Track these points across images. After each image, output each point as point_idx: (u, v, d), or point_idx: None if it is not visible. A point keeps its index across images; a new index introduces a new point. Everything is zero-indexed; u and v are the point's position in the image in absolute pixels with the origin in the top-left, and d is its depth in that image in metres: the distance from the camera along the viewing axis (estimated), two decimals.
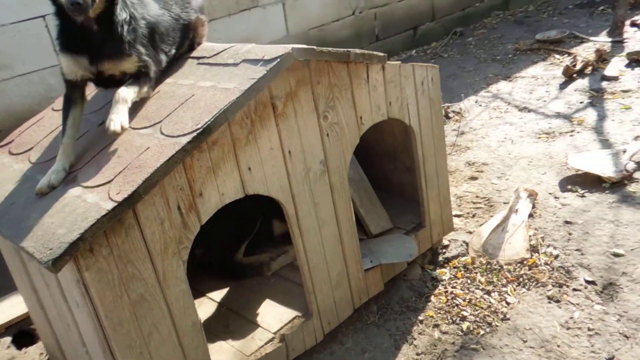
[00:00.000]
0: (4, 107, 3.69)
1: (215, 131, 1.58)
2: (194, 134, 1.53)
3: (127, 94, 1.75)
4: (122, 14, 1.79)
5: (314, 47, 1.79)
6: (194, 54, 2.11)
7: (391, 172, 2.76)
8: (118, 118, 1.66)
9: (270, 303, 2.23)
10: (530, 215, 2.80)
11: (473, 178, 3.27)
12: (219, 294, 2.39)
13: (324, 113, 1.95)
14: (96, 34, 1.77)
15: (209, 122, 1.55)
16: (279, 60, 1.69)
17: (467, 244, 2.70)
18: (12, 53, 3.69)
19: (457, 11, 6.47)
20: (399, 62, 2.26)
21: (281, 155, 1.85)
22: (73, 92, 1.86)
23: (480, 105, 4.33)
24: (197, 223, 1.65)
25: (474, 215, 2.94)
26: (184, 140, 1.53)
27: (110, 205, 1.40)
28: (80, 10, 1.65)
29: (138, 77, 1.83)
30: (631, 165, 2.95)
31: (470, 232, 2.79)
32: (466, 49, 5.83)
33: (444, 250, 2.69)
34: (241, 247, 2.53)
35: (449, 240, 2.74)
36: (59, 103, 2.23)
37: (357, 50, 1.93)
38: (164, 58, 1.97)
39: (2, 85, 3.70)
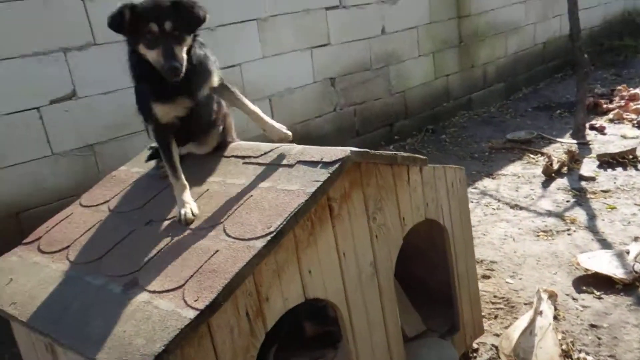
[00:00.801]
0: None
1: (285, 235, 1.53)
2: (269, 237, 1.48)
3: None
4: (197, 52, 1.93)
5: (368, 150, 1.81)
6: (235, 152, 2.08)
7: (416, 271, 2.73)
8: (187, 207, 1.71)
9: None
10: (555, 318, 2.79)
11: (485, 277, 3.27)
12: None
13: (373, 214, 1.93)
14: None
15: (281, 226, 1.51)
16: (340, 162, 1.69)
17: (496, 347, 2.64)
18: (6, 144, 3.55)
19: (427, 110, 6.81)
20: (433, 165, 2.31)
21: (337, 257, 1.80)
22: (167, 134, 1.95)
23: (472, 202, 4.43)
24: (262, 330, 1.55)
25: (496, 317, 2.90)
26: (259, 244, 1.47)
27: (191, 314, 1.30)
28: (177, 73, 1.74)
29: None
30: (638, 267, 3.03)
31: (496, 335, 2.74)
32: (442, 145, 6.08)
33: (474, 355, 2.62)
34: (270, 351, 2.38)
35: (477, 344, 2.68)
36: (87, 199, 2.13)
37: (402, 154, 1.97)
38: None
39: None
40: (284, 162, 1.84)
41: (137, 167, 2.24)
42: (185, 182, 1.88)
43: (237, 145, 2.15)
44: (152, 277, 1.48)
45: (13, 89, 3.52)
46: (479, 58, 7.37)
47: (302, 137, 5.41)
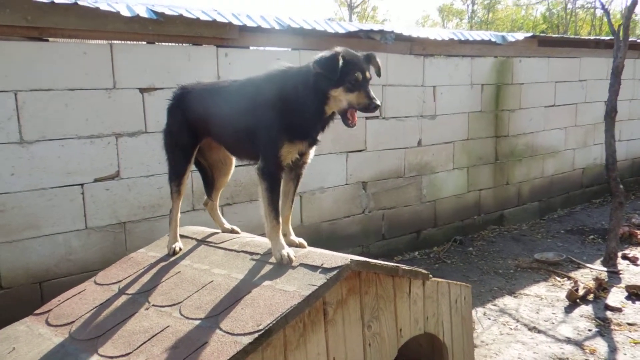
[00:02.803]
0: (22, 264, 3.70)
1: (274, 334, 1.60)
2: (256, 334, 1.55)
3: None
4: None
5: (369, 260, 1.90)
6: (246, 248, 2.20)
7: None
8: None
9: None
10: None
11: None
12: None
13: (369, 322, 1.98)
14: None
15: (271, 324, 1.58)
16: (339, 270, 1.78)
17: None
18: (45, 215, 3.81)
19: (457, 221, 6.85)
20: (437, 279, 2.36)
21: None
22: (281, 174, 2.11)
23: (489, 319, 4.35)
24: None
25: None
26: (245, 340, 1.54)
27: None
28: (374, 110, 2.02)
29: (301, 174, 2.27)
30: None
31: None
32: (468, 257, 6.04)
33: None
34: None
35: None
36: (101, 277, 2.26)
37: (404, 266, 2.04)
38: None
39: (27, 243, 3.74)
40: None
41: (154, 251, 2.39)
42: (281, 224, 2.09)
43: (250, 241, 2.27)
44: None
45: (64, 166, 3.83)
46: (514, 176, 7.48)
47: (329, 236, 5.53)
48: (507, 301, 4.71)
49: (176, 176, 2.33)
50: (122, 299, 2.01)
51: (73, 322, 1.93)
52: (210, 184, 2.51)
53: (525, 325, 4.20)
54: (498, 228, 7.26)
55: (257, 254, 2.10)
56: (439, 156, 6.52)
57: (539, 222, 7.54)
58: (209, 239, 2.36)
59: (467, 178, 6.94)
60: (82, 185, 3.95)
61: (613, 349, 3.72)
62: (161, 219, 4.35)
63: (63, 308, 2.06)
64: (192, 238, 2.45)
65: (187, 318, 1.73)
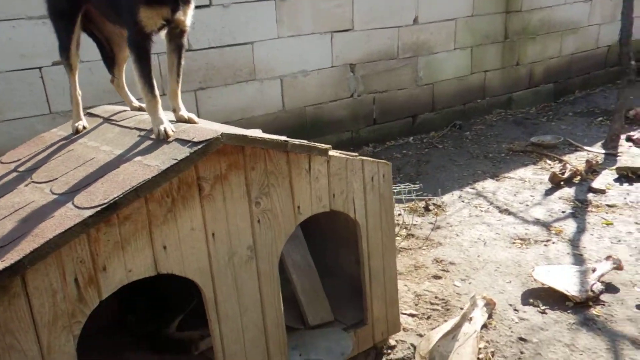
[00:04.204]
0: None
1: (123, 207, 1.56)
2: (98, 208, 1.51)
3: None
4: None
5: (246, 134, 1.80)
6: (141, 125, 2.12)
7: (344, 262, 2.69)
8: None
9: None
10: (485, 326, 2.67)
11: (437, 277, 3.17)
12: None
13: (257, 199, 1.92)
14: None
15: (116, 198, 1.54)
16: (205, 144, 1.69)
17: (414, 347, 2.58)
18: (5, 99, 3.80)
19: (458, 105, 6.57)
20: (349, 155, 2.25)
21: (204, 237, 1.81)
22: (148, 43, 1.95)
23: (462, 201, 4.28)
24: (96, 298, 1.60)
25: (428, 317, 2.82)
26: (87, 213, 1.51)
27: None
28: None
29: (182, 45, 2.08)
30: (598, 287, 2.83)
31: (420, 335, 2.66)
32: (462, 142, 5.86)
33: (389, 351, 2.56)
34: (175, 320, 2.45)
35: (396, 341, 2.62)
36: (8, 156, 2.26)
37: (296, 141, 1.93)
38: None
39: None
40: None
41: (64, 130, 2.35)
42: (159, 98, 1.98)
43: (147, 118, 2.17)
44: None
45: (17, 48, 3.75)
46: (525, 56, 7.00)
47: (314, 121, 5.41)
48: (487, 184, 4.60)
49: (63, 48, 2.22)
50: (12, 175, 2.01)
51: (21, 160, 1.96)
52: (110, 59, 2.39)
53: (497, 207, 4.11)
54: (504, 112, 6.95)
55: (147, 130, 2.02)
56: (438, 35, 6.11)
57: (549, 105, 7.17)
58: (113, 117, 2.30)
59: (470, 59, 6.54)
60: (40, 68, 3.89)
61: (581, 230, 3.61)
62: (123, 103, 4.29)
63: (16, 152, 2.09)
64: (99, 117, 2.38)
65: (53, 194, 1.71)
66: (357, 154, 2.38)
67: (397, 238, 3.68)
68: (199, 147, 1.68)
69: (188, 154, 1.66)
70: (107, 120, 2.28)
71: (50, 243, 1.43)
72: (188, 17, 2.01)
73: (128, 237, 1.64)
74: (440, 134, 6.21)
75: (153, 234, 1.69)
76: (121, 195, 1.54)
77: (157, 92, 1.98)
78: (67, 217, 1.52)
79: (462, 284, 3.07)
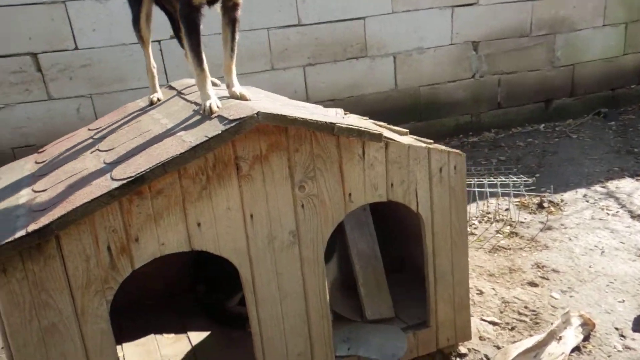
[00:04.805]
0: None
1: (152, 181, 1.57)
2: (124, 181, 1.53)
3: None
4: None
5: (286, 114, 1.69)
6: (193, 97, 2.12)
7: (414, 256, 2.50)
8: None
9: None
10: (577, 349, 2.32)
11: (532, 284, 2.82)
12: (198, 336, 2.36)
13: (301, 183, 1.83)
14: None
15: (143, 172, 1.54)
16: (238, 122, 1.63)
17: (488, 359, 2.33)
18: (129, 69, 4.12)
19: (605, 90, 5.80)
20: (421, 141, 2.06)
21: (241, 217, 1.77)
22: (198, 16, 1.89)
23: (587, 201, 3.77)
24: (128, 267, 1.64)
25: (512, 328, 2.52)
26: (115, 185, 1.53)
27: (19, 234, 1.45)
28: None
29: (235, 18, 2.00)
30: None
31: (498, 347, 2.40)
32: (602, 133, 5.17)
33: (458, 359, 2.35)
34: (237, 295, 2.47)
35: (468, 349, 2.38)
36: (95, 124, 2.42)
37: (344, 124, 1.78)
38: None
39: (115, 95, 4.14)
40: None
41: (145, 102, 2.45)
42: (208, 73, 1.95)
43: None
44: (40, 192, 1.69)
45: None
46: None
47: (428, 102, 5.14)
48: (623, 184, 3.99)
49: (134, 21, 2.28)
50: (87, 142, 2.14)
51: (44, 161, 2.12)
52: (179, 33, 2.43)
53: (629, 212, 3.55)
54: None
55: (198, 104, 2.01)
56: (582, 9, 5.41)
57: None
58: (183, 90, 2.34)
59: (624, 37, 5.71)
60: (159, 42, 4.14)
61: None
62: (239, 77, 4.41)
63: (53, 149, 2.27)
64: (175, 89, 2.44)
65: (104, 163, 1.77)
66: (431, 141, 2.18)
67: (498, 235, 3.36)
68: (232, 125, 1.62)
69: (220, 132, 1.61)
70: (179, 93, 2.33)
71: (76, 210, 1.48)
72: None
73: (161, 211, 1.65)
74: (579, 122, 5.54)
75: (187, 210, 1.68)
76: (148, 170, 1.55)
77: (205, 66, 1.95)
78: (100, 186, 1.56)
79: (562, 297, 2.70)
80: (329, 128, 1.77)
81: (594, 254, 3.06)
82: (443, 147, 2.07)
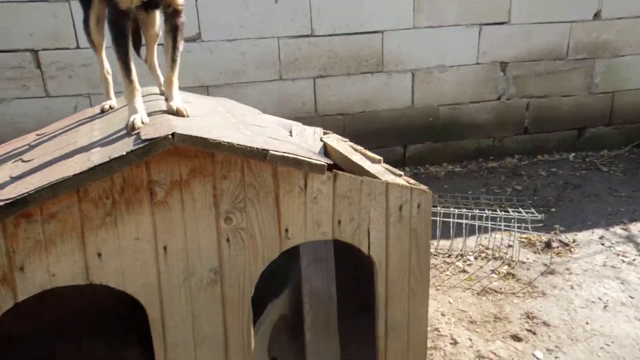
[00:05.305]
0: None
1: (34, 205, 1.38)
2: (2, 202, 1.35)
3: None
4: None
5: (208, 137, 1.48)
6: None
7: None
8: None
9: None
10: None
11: (516, 338, 2.50)
12: None
13: (228, 214, 1.61)
14: None
15: (26, 194, 1.36)
16: (148, 143, 1.42)
17: None
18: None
19: None
20: (387, 174, 1.81)
21: (153, 249, 1.56)
22: (125, 22, 1.77)
23: (602, 244, 3.39)
24: (10, 299, 1.46)
25: None
26: None
27: None
28: None
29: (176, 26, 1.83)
30: None
31: None
32: (638, 168, 4.72)
33: None
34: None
35: None
36: (46, 128, 2.27)
37: (279, 152, 1.55)
38: None
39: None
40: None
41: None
42: (138, 85, 1.80)
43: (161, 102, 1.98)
44: None
45: None
46: None
47: (447, 122, 4.83)
48: None
49: (84, 24, 2.13)
50: (22, 149, 2.00)
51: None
52: (136, 38, 2.26)
53: None
54: None
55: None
56: (627, 34, 4.98)
57: None
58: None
59: None
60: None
61: None
62: (245, 85, 4.25)
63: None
64: None
65: (9, 177, 1.60)
66: (401, 173, 1.92)
67: (493, 275, 3.04)
68: (141, 145, 1.42)
69: (124, 153, 1.41)
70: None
71: None
72: None
73: (53, 237, 1.46)
74: (613, 153, 5.10)
75: (86, 238, 1.49)
76: (32, 191, 1.36)
77: (134, 77, 1.77)
78: None
79: (545, 357, 2.37)
80: (261, 155, 1.55)
81: (596, 307, 2.71)
82: (405, 182, 1.81)
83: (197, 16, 4.03)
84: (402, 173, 1.95)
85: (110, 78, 2.27)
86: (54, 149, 1.77)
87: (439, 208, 3.40)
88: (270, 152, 1.55)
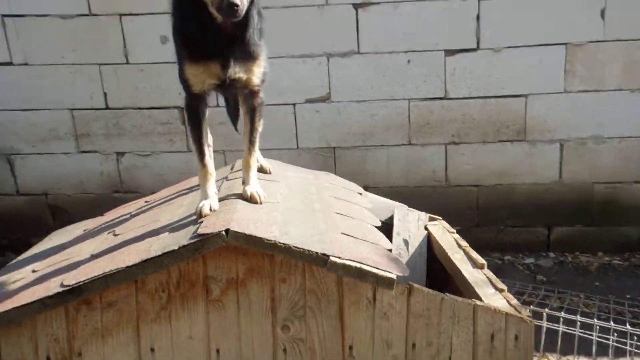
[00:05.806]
0: None
1: (87, 294, 1.38)
2: (60, 289, 1.37)
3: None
4: (255, 15, 1.64)
5: (263, 237, 1.36)
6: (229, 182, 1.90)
7: None
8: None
9: None
10: None
11: None
12: None
13: (285, 322, 1.47)
14: (230, 37, 1.61)
15: (80, 283, 1.36)
16: (200, 239, 1.36)
17: None
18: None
19: None
20: (480, 288, 1.54)
21: (205, 350, 1.48)
22: (200, 105, 1.73)
23: None
24: None
25: None
26: (52, 291, 1.38)
27: None
28: (234, 14, 1.47)
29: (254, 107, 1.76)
30: None
31: None
32: None
33: None
34: None
35: None
36: (154, 195, 2.36)
37: (340, 261, 1.38)
38: None
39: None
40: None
41: None
42: (212, 170, 1.74)
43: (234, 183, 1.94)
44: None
45: (275, 84, 4.01)
46: None
47: (604, 203, 4.18)
48: None
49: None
50: (122, 218, 2.07)
51: (85, 231, 2.11)
52: (233, 114, 2.25)
53: None
54: None
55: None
56: None
57: None
58: (230, 175, 2.15)
59: None
60: (294, 105, 4.08)
61: None
62: (373, 149, 4.14)
63: (103, 218, 2.26)
64: (231, 169, 2.28)
65: (90, 255, 1.64)
66: (504, 287, 1.62)
67: None
68: (193, 241, 1.36)
69: (176, 248, 1.36)
70: (226, 177, 2.15)
71: (11, 313, 1.36)
72: (255, 75, 1.68)
73: (110, 326, 1.45)
74: None
75: (140, 331, 1.46)
76: (88, 281, 1.36)
77: (208, 161, 1.73)
78: (46, 289, 1.42)
79: None
80: (321, 261, 1.39)
81: None
82: (505, 303, 1.51)
83: (327, 77, 4.04)
84: (504, 288, 1.65)
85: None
86: (141, 225, 1.80)
87: (578, 316, 2.40)
88: (331, 258, 1.39)
